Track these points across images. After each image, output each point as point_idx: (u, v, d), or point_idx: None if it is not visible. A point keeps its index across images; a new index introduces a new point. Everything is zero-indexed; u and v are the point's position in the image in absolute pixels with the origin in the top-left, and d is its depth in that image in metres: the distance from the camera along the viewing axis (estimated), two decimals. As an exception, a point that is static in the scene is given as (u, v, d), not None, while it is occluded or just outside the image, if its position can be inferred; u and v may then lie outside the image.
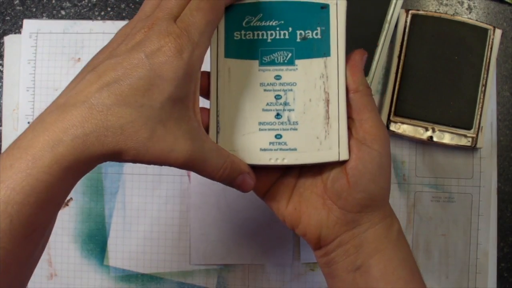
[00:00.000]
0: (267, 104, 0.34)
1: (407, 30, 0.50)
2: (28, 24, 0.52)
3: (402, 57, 0.50)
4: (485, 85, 0.49)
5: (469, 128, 0.49)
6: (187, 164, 0.30)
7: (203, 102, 0.34)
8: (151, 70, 0.27)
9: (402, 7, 0.50)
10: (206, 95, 0.35)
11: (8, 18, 0.53)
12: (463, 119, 0.49)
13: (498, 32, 0.50)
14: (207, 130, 0.34)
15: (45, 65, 0.52)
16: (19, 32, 0.52)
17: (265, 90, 0.34)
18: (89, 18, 0.53)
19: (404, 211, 0.51)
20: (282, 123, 0.34)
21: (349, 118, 0.34)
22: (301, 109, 0.34)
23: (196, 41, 0.29)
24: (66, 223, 0.51)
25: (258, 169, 0.35)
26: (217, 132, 0.34)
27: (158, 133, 0.28)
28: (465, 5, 0.53)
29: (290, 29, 0.34)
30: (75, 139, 0.26)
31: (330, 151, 0.34)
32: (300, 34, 0.34)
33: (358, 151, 0.33)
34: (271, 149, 0.34)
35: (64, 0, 0.53)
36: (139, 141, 0.28)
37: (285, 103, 0.34)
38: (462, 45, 0.49)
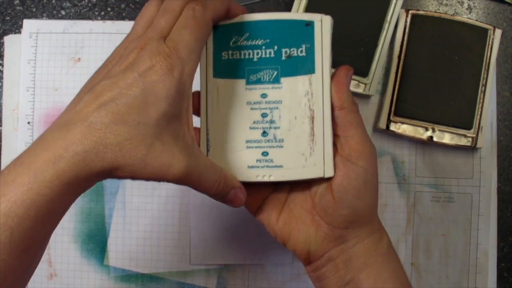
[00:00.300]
0: (254, 122, 0.35)
1: (407, 30, 0.50)
2: (28, 24, 0.52)
3: (402, 57, 0.50)
4: (485, 85, 0.49)
5: (469, 128, 0.49)
6: (184, 180, 0.31)
7: (196, 121, 0.34)
8: (145, 89, 0.28)
9: (402, 7, 0.50)
10: (198, 113, 0.36)
11: (8, 18, 0.53)
12: (463, 119, 0.49)
13: (498, 32, 0.50)
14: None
15: (45, 65, 0.52)
16: (19, 32, 0.52)
17: (251, 108, 0.35)
18: (89, 18, 0.53)
19: (404, 211, 0.51)
20: (268, 140, 0.35)
21: (335, 135, 0.34)
22: (286, 127, 0.34)
23: (185, 58, 0.30)
24: (66, 223, 0.51)
25: (249, 185, 0.35)
26: (207, 150, 0.35)
27: (155, 150, 0.29)
28: (465, 5, 0.53)
29: (276, 47, 0.34)
30: (75, 155, 0.27)
31: (315, 168, 0.34)
32: (285, 52, 0.34)
33: (343, 167, 0.33)
34: (258, 166, 0.35)
35: (64, 0, 0.53)
36: (137, 157, 0.28)
37: (271, 121, 0.35)
38: (462, 45, 0.49)
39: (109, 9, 0.53)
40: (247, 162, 0.35)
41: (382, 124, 0.49)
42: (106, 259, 0.51)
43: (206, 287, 0.51)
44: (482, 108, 0.49)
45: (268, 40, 0.34)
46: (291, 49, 0.34)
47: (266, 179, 0.35)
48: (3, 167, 0.52)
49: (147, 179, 0.30)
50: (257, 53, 0.35)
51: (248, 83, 0.35)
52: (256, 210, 0.36)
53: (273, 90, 0.35)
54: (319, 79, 0.34)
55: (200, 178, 0.31)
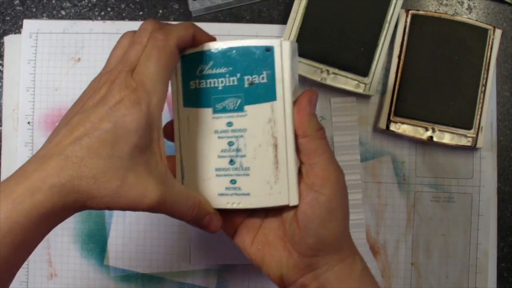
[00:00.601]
0: (222, 151, 0.35)
1: (407, 30, 0.50)
2: (28, 24, 0.52)
3: (402, 57, 0.50)
4: (485, 85, 0.49)
5: (469, 128, 0.49)
6: (158, 208, 0.32)
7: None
8: (115, 122, 0.29)
9: (402, 7, 0.50)
10: (174, 140, 0.37)
11: (8, 18, 0.53)
12: (463, 119, 0.49)
13: (498, 32, 0.50)
14: (174, 175, 0.36)
15: (45, 65, 0.52)
16: (19, 32, 0.52)
17: (219, 137, 0.35)
18: (89, 18, 0.53)
19: (404, 211, 0.51)
20: (235, 169, 0.35)
21: (301, 162, 0.34)
22: (252, 155, 0.34)
23: (152, 90, 0.30)
24: (66, 223, 0.51)
25: (225, 210, 0.36)
26: (182, 177, 0.36)
27: (129, 181, 0.30)
28: (465, 5, 0.53)
29: (239, 75, 0.34)
30: (52, 187, 0.28)
31: (280, 196, 0.34)
32: (248, 79, 0.34)
33: (306, 196, 0.33)
34: (227, 194, 0.35)
35: (64, 0, 0.53)
36: (111, 189, 0.30)
37: (237, 149, 0.35)
38: (462, 45, 0.49)
39: (109, 9, 0.53)
40: (217, 190, 0.35)
41: (382, 124, 0.49)
42: (106, 259, 0.51)
43: (206, 287, 0.51)
44: (482, 108, 0.49)
45: (231, 68, 0.34)
46: (253, 76, 0.34)
47: (235, 206, 0.35)
48: (3, 167, 0.52)
49: (122, 209, 0.31)
50: (222, 82, 0.34)
51: (214, 112, 0.35)
52: (233, 234, 0.37)
53: (238, 119, 0.34)
54: (281, 106, 0.33)
55: (173, 205, 0.32)
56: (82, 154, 0.29)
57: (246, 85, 0.34)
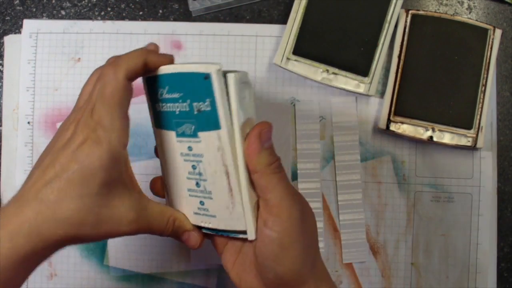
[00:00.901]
0: (189, 173, 0.35)
1: (407, 30, 0.50)
2: (28, 24, 0.52)
3: (402, 57, 0.50)
4: (485, 85, 0.49)
5: (469, 128, 0.49)
6: (136, 231, 0.33)
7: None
8: (82, 162, 0.31)
9: (402, 7, 0.50)
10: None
11: (8, 18, 0.53)
12: (463, 119, 0.49)
13: (498, 32, 0.50)
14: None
15: (45, 65, 0.52)
16: (19, 32, 0.52)
17: (184, 160, 0.35)
18: (89, 18, 0.53)
19: (404, 211, 0.51)
20: (201, 191, 0.35)
21: (258, 196, 0.34)
22: (211, 180, 0.34)
23: (109, 127, 0.31)
24: (66, 223, 0.51)
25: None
26: (167, 194, 0.38)
27: (103, 216, 0.31)
28: (465, 5, 0.53)
29: (188, 101, 0.33)
30: (31, 232, 0.30)
31: (239, 222, 0.34)
32: (195, 106, 0.33)
33: (261, 232, 0.33)
34: (199, 214, 0.36)
35: (64, 0, 0.53)
36: (87, 226, 0.31)
37: (200, 173, 0.35)
38: (462, 45, 0.49)
39: (109, 9, 0.53)
40: (192, 209, 0.36)
41: (382, 124, 0.49)
42: (106, 259, 0.51)
43: (206, 287, 0.51)
44: (482, 108, 0.49)
45: (182, 94, 0.33)
46: (200, 103, 0.33)
47: (207, 225, 0.36)
48: (3, 167, 0.52)
49: (101, 240, 0.33)
50: (177, 107, 0.34)
51: (177, 135, 0.35)
52: (221, 253, 0.37)
53: (195, 144, 0.34)
54: (226, 136, 0.32)
55: (149, 225, 0.34)
56: (54, 197, 0.30)
57: (195, 112, 0.33)
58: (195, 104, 0.33)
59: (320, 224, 0.50)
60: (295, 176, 0.50)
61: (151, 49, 0.35)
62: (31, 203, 0.30)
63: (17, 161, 0.51)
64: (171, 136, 0.35)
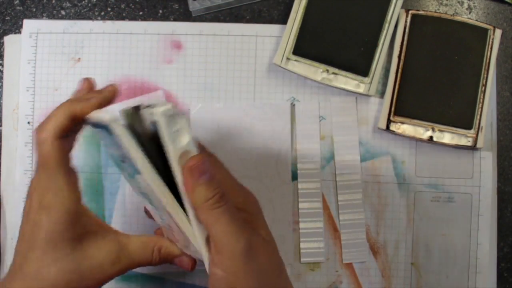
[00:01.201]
0: (151, 207, 0.36)
1: (407, 30, 0.50)
2: (28, 24, 0.52)
3: (402, 57, 0.50)
4: (485, 85, 0.49)
5: (469, 128, 0.49)
6: (123, 271, 0.35)
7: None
8: (45, 229, 0.32)
9: (402, 7, 0.50)
10: None
11: (8, 18, 0.53)
12: (463, 119, 0.49)
13: (498, 32, 0.50)
14: None
15: (45, 65, 0.52)
16: (19, 32, 0.52)
17: (143, 197, 0.36)
18: (89, 18, 0.53)
19: (404, 211, 0.51)
20: (167, 225, 0.36)
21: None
22: (166, 215, 0.34)
23: (55, 189, 0.32)
24: (66, 223, 0.51)
25: None
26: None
27: (85, 269, 0.33)
28: (465, 5, 0.53)
29: (114, 147, 0.32)
30: None
31: (197, 254, 0.34)
32: (119, 153, 0.32)
33: (210, 269, 0.32)
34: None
35: (64, 0, 0.53)
36: (74, 284, 0.32)
37: (157, 209, 0.35)
38: (462, 45, 0.49)
39: (109, 9, 0.53)
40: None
41: (382, 124, 0.49)
42: (106, 259, 0.51)
43: (206, 287, 0.51)
44: (482, 108, 0.49)
45: (108, 141, 0.32)
46: (118, 149, 0.31)
47: (189, 253, 0.37)
48: (3, 167, 0.52)
49: None
50: (114, 151, 0.33)
51: (126, 177, 0.35)
52: None
53: (139, 184, 0.33)
54: (148, 179, 0.31)
55: (134, 261, 0.35)
56: (34, 267, 0.32)
57: (122, 158, 0.32)
58: (116, 151, 0.32)
59: (320, 224, 0.50)
60: (295, 176, 0.50)
61: (75, 98, 0.34)
62: (17, 277, 0.32)
63: (17, 161, 0.51)
64: (124, 175, 0.36)
